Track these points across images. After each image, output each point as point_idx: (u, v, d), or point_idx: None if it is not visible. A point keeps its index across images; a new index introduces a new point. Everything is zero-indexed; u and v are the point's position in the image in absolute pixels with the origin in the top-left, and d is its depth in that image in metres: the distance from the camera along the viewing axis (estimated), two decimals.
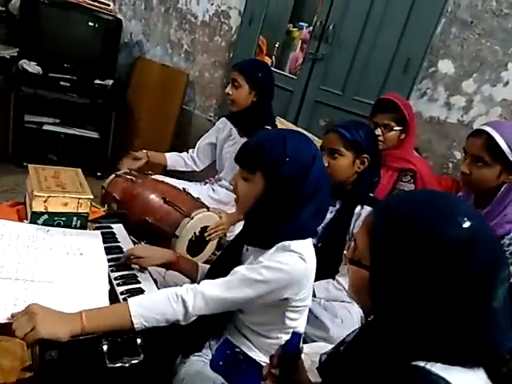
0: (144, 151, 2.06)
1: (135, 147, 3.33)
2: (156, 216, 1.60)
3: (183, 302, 0.96)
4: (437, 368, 0.60)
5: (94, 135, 3.20)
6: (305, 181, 1.03)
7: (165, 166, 2.19)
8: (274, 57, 3.77)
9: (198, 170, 2.23)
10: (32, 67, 2.89)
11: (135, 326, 0.92)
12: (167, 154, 2.18)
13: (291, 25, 4.25)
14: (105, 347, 0.91)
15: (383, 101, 1.94)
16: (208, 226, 1.66)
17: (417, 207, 0.65)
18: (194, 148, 2.24)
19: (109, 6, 3.04)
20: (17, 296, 0.91)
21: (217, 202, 2.02)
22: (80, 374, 0.90)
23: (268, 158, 1.03)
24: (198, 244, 1.64)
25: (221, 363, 0.95)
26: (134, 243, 1.37)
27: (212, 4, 3.03)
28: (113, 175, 1.83)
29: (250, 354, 1.14)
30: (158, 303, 0.96)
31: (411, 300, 0.61)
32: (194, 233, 1.62)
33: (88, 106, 3.10)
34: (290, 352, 0.86)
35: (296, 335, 0.88)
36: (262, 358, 1.14)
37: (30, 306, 0.87)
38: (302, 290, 1.07)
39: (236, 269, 1.04)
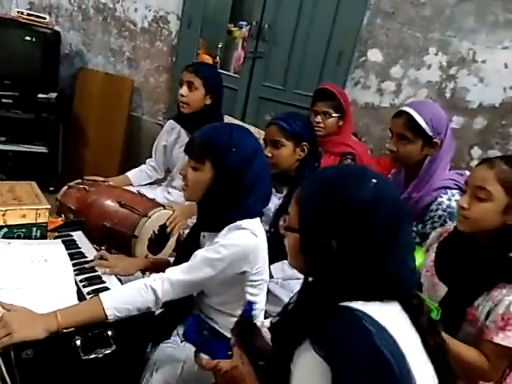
0: (109, 180, 2.01)
1: (86, 158, 3.35)
2: (114, 220, 1.65)
3: (152, 290, 1.05)
4: (358, 305, 0.72)
5: (43, 150, 3.16)
6: (249, 169, 1.14)
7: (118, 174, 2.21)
8: (218, 57, 3.86)
9: (161, 176, 2.25)
10: None
11: (109, 317, 0.99)
12: (129, 174, 2.18)
13: (232, 24, 4.36)
14: (78, 342, 0.97)
15: (321, 90, 2.08)
16: (165, 224, 1.73)
17: (331, 175, 0.81)
18: (148, 155, 2.26)
19: (45, 19, 3.02)
20: None
21: (172, 203, 2.07)
22: (56, 368, 0.96)
23: (216, 147, 1.13)
24: (157, 242, 1.71)
25: (194, 335, 1.02)
26: (96, 249, 1.43)
27: (150, 10, 3.08)
28: (65, 187, 1.86)
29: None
30: (128, 294, 1.04)
31: (334, 247, 0.73)
32: (153, 231, 1.69)
33: (33, 120, 3.06)
34: (246, 320, 0.96)
35: (249, 304, 0.98)
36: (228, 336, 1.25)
37: (3, 315, 0.92)
38: (257, 262, 1.19)
39: (196, 252, 1.14)
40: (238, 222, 1.16)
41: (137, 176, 2.19)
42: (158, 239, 1.72)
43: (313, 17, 2.51)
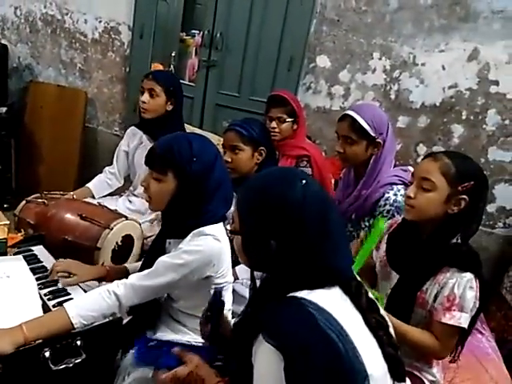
0: (70, 194, 1.99)
1: (41, 173, 3.28)
2: (75, 233, 1.65)
3: (115, 295, 1.07)
4: (303, 294, 0.79)
5: None
6: (211, 176, 1.19)
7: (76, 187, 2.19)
8: (172, 66, 3.88)
9: (120, 184, 2.24)
10: None
11: (75, 325, 1.01)
12: (90, 185, 2.16)
13: (184, 33, 4.39)
14: (47, 354, 0.98)
15: (274, 97, 2.16)
16: (129, 235, 1.75)
17: (264, 179, 0.87)
18: (106, 166, 2.26)
19: None
20: None
21: (134, 213, 2.08)
22: (27, 382, 0.97)
23: (177, 159, 1.17)
24: (121, 253, 1.72)
25: (143, 356, 1.04)
26: None
27: (100, 21, 3.07)
28: (23, 201, 1.84)
29: (183, 337, 1.28)
30: (92, 302, 1.06)
31: (273, 246, 0.80)
32: (116, 243, 1.70)
33: None
34: (214, 307, 1.01)
35: (216, 292, 1.03)
36: (197, 339, 1.28)
37: None
38: (221, 266, 1.23)
39: (159, 258, 1.18)
40: (202, 228, 1.20)
41: (98, 187, 2.17)
42: (122, 250, 1.73)
43: (263, 25, 2.60)
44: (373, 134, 1.57)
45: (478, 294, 1.16)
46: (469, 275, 1.16)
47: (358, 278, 0.89)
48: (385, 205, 1.57)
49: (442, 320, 1.16)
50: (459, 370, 1.48)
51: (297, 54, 2.58)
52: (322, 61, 2.61)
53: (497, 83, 2.33)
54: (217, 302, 1.04)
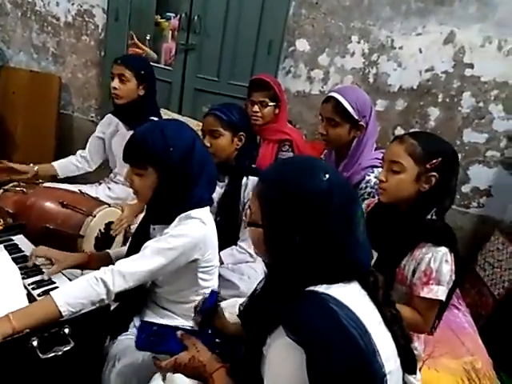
0: (31, 165, 1.99)
1: (15, 160, 3.17)
2: (57, 221, 1.63)
3: (103, 282, 1.07)
4: (322, 288, 0.79)
5: None
6: (191, 162, 1.18)
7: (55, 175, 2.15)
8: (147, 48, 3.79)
9: (91, 169, 2.21)
10: None
11: (63, 313, 1.00)
12: (55, 164, 2.12)
13: (159, 16, 4.30)
14: (34, 343, 0.98)
15: (256, 81, 2.15)
16: (112, 222, 1.74)
17: (287, 170, 0.85)
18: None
19: None
20: None
21: (115, 200, 2.05)
22: (16, 370, 0.97)
23: (153, 153, 1.15)
24: (104, 240, 1.71)
25: (145, 342, 1.04)
26: None
27: (73, 4, 2.97)
28: (0, 190, 1.80)
29: (172, 322, 1.29)
30: (80, 289, 1.05)
31: (297, 241, 0.79)
32: (99, 230, 1.68)
33: None
34: (208, 308, 1.02)
35: (214, 293, 1.04)
36: (185, 323, 1.30)
37: None
38: (208, 250, 1.24)
39: (146, 243, 1.17)
40: (188, 212, 1.21)
41: (63, 166, 2.13)
42: (105, 237, 1.72)
43: (241, 8, 2.57)
44: (356, 117, 1.59)
45: (454, 267, 1.21)
46: (444, 249, 1.20)
47: (376, 273, 0.89)
48: (366, 187, 1.60)
49: (421, 294, 1.21)
50: (438, 344, 1.53)
51: (276, 37, 2.56)
52: (302, 44, 2.61)
53: (472, 66, 2.38)
54: (211, 305, 1.04)
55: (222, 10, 2.59)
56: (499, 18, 2.28)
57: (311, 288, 0.80)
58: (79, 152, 2.21)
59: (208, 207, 1.28)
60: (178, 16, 2.85)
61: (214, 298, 1.03)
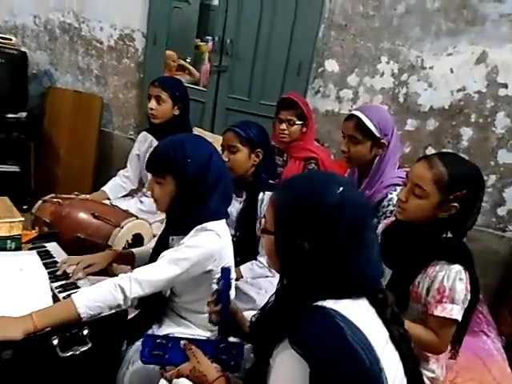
0: (87, 196, 2.08)
1: (59, 175, 3.39)
2: (87, 231, 1.72)
3: (121, 288, 1.12)
4: (330, 304, 0.79)
5: (15, 169, 3.19)
6: (207, 174, 1.24)
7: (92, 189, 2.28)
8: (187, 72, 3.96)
9: (134, 187, 2.34)
10: None
11: (82, 315, 1.06)
12: (106, 189, 2.25)
13: (199, 40, 4.49)
14: (55, 341, 1.04)
15: (285, 100, 2.20)
16: (139, 234, 1.81)
17: (303, 180, 0.89)
18: (121, 168, 2.35)
19: (11, 40, 3.07)
20: None
21: (145, 213, 2.15)
22: (36, 366, 1.03)
23: (173, 162, 1.23)
24: None
25: (148, 356, 1.06)
26: None
27: (115, 29, 3.17)
28: (40, 201, 1.92)
29: (188, 331, 1.32)
30: (99, 293, 1.11)
31: (306, 249, 0.79)
32: (127, 241, 1.76)
33: (4, 140, 3.09)
34: (224, 287, 1.04)
35: (225, 269, 1.04)
36: (201, 333, 1.33)
37: None
38: (222, 261, 1.27)
39: (163, 253, 1.23)
40: (204, 224, 1.25)
41: (113, 190, 2.27)
42: (132, 248, 1.79)
43: (272, 31, 2.65)
44: (378, 135, 1.60)
45: (469, 286, 1.18)
46: (457, 267, 1.18)
47: (385, 290, 0.89)
48: (388, 205, 1.59)
49: (435, 313, 1.18)
50: (462, 370, 1.48)
51: (305, 58, 2.62)
52: (331, 65, 2.64)
53: (506, 86, 2.34)
54: (225, 279, 1.05)
55: (254, 33, 2.68)
56: None
57: (319, 303, 0.80)
58: (121, 172, 2.33)
59: (224, 220, 1.31)
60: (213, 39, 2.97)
61: (227, 274, 1.04)
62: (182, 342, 0.98)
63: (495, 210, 2.50)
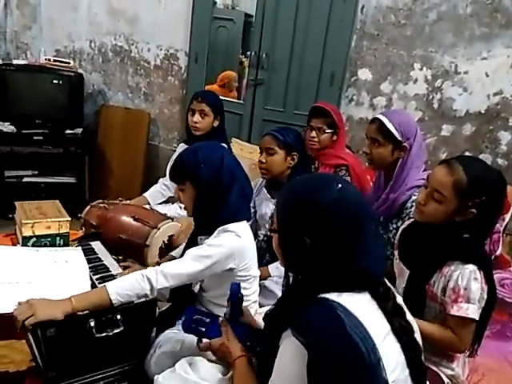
0: (128, 202, 2.24)
1: (110, 186, 3.65)
2: (128, 232, 1.88)
3: (148, 279, 1.24)
4: (333, 296, 0.83)
5: (72, 180, 3.48)
6: (221, 175, 1.34)
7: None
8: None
9: (172, 194, 2.44)
10: (6, 127, 3.20)
11: (113, 301, 1.19)
12: (147, 195, 2.43)
13: (243, 56, 4.68)
14: (92, 323, 1.17)
15: (317, 108, 2.26)
16: (174, 235, 1.95)
17: (304, 180, 0.94)
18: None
19: (69, 63, 3.39)
20: (21, 293, 1.18)
21: (184, 217, 2.29)
22: (75, 344, 1.17)
23: (188, 169, 1.35)
24: (167, 250, 1.92)
25: (189, 326, 1.19)
26: (114, 258, 1.65)
27: (161, 49, 3.41)
28: (88, 206, 2.12)
29: None
30: (129, 282, 1.23)
31: (307, 244, 0.84)
32: (163, 241, 1.90)
33: (62, 154, 3.39)
34: (233, 297, 1.14)
35: (234, 285, 1.16)
36: None
37: (28, 300, 1.13)
38: (243, 260, 1.36)
39: (188, 250, 1.34)
40: (226, 226, 1.35)
41: (153, 196, 2.44)
42: (168, 248, 1.93)
43: (305, 44, 2.75)
44: (399, 138, 1.63)
45: (485, 285, 1.18)
46: (471, 267, 1.19)
47: (388, 283, 0.93)
48: (411, 207, 1.61)
49: (451, 312, 1.20)
50: (489, 373, 1.46)
51: (338, 68, 2.69)
52: (364, 74, 2.69)
53: None
54: (234, 293, 1.16)
55: (288, 47, 2.80)
56: None
57: (323, 295, 0.84)
58: (161, 180, 2.50)
59: (245, 222, 1.40)
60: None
61: (236, 289, 1.15)
62: (220, 319, 1.08)
63: None
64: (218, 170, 1.34)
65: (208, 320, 1.18)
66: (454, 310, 1.20)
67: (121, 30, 3.54)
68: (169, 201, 2.52)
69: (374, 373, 0.77)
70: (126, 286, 1.22)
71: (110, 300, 1.19)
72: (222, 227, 1.35)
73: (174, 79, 3.43)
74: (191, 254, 1.32)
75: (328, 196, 0.85)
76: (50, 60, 3.35)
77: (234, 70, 4.31)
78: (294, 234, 0.87)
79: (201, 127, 2.26)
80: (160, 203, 2.46)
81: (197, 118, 2.24)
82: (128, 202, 2.19)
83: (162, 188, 2.48)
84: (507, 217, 2.16)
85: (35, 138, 3.29)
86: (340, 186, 0.87)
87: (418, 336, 0.91)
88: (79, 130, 3.46)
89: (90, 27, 3.66)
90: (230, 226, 1.35)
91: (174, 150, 3.48)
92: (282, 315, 0.92)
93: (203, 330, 1.15)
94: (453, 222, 1.24)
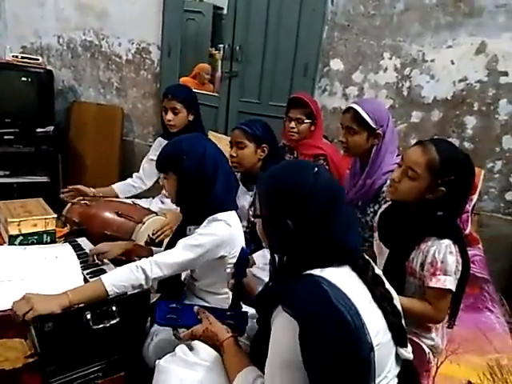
0: (92, 190, 2.26)
1: (85, 184, 3.58)
2: (113, 228, 1.88)
3: (143, 269, 1.27)
4: (317, 272, 0.90)
5: (45, 179, 3.40)
6: (204, 166, 1.38)
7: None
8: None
9: (146, 188, 2.47)
10: None
11: (109, 293, 1.21)
12: (114, 186, 2.39)
13: (213, 48, 4.68)
14: (88, 316, 1.19)
15: (294, 99, 2.30)
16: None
17: (280, 168, 1.00)
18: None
19: (38, 60, 3.31)
20: (14, 291, 1.19)
21: (165, 210, 2.30)
22: (73, 337, 1.19)
23: (171, 160, 1.39)
24: (153, 245, 1.93)
25: (163, 318, 1.21)
26: None
27: (132, 43, 3.38)
28: (69, 204, 2.10)
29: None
30: (124, 274, 1.26)
31: (290, 226, 0.91)
32: (148, 235, 1.91)
33: (34, 153, 3.32)
34: (242, 259, 1.19)
35: (242, 249, 1.21)
36: None
37: (25, 294, 1.15)
38: (233, 248, 1.41)
39: (179, 240, 1.38)
40: (215, 215, 1.39)
41: (122, 188, 2.40)
42: (153, 242, 1.95)
43: (278, 35, 2.80)
44: (373, 126, 1.71)
45: (460, 258, 1.27)
46: (447, 241, 1.27)
47: (366, 257, 1.00)
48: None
49: (430, 284, 1.28)
50: (464, 342, 1.56)
51: (311, 59, 2.76)
52: (336, 64, 2.77)
53: (506, 74, 2.41)
54: (242, 257, 1.21)
55: (261, 39, 2.84)
56: None
57: (307, 272, 0.91)
58: (135, 174, 2.48)
59: (233, 211, 1.45)
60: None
61: (246, 251, 1.21)
62: (196, 308, 1.11)
63: (503, 195, 2.56)
64: (200, 161, 1.38)
65: (182, 309, 1.20)
66: (433, 283, 1.28)
67: (90, 24, 3.49)
68: (150, 195, 2.53)
69: (359, 337, 0.84)
70: (121, 277, 1.25)
71: (107, 292, 1.21)
72: (211, 217, 1.39)
73: (146, 73, 3.41)
74: (183, 243, 1.35)
75: (306, 180, 0.91)
76: (17, 57, 3.26)
77: (205, 62, 4.32)
78: (277, 219, 0.93)
79: (176, 124, 2.25)
80: (133, 197, 2.45)
81: (170, 116, 2.24)
82: (92, 191, 2.18)
83: (134, 181, 2.44)
84: (475, 197, 2.30)
85: (5, 137, 3.21)
86: (316, 169, 0.94)
87: (397, 302, 0.99)
88: (51, 128, 3.39)
89: (57, 23, 3.58)
90: (219, 215, 1.39)
91: (150, 145, 3.47)
92: (271, 294, 0.98)
93: (179, 320, 1.16)
94: (425, 201, 1.32)
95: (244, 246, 1.42)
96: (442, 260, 1.27)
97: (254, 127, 1.87)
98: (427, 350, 1.40)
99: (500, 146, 2.50)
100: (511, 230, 2.57)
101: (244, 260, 1.21)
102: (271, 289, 1.03)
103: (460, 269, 1.28)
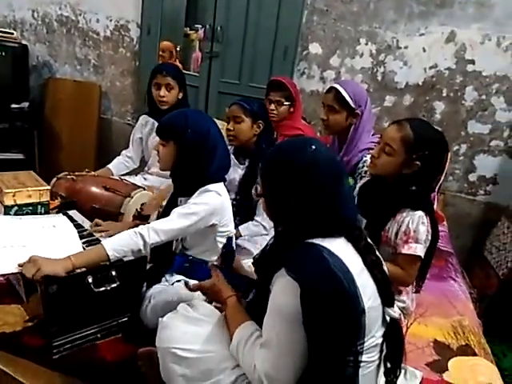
0: (92, 172, 2.24)
1: (61, 161, 3.58)
2: (101, 202, 1.93)
3: (141, 235, 1.35)
4: (318, 241, 0.97)
5: (20, 156, 3.37)
6: (205, 143, 1.46)
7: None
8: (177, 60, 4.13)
9: (136, 166, 2.54)
10: None
11: (110, 257, 1.29)
12: (110, 166, 2.43)
13: (188, 28, 4.66)
14: (90, 279, 1.26)
15: (274, 82, 2.40)
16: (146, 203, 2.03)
17: (279, 148, 1.07)
18: (120, 151, 2.55)
19: (12, 34, 3.24)
20: (17, 255, 1.24)
21: (149, 188, 2.37)
22: (76, 299, 1.26)
23: (175, 129, 1.46)
24: (141, 219, 1.99)
25: (180, 267, 1.31)
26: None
27: (111, 20, 3.35)
28: (54, 178, 2.12)
29: None
30: (123, 239, 1.33)
31: (292, 203, 0.98)
32: (136, 209, 1.97)
33: (8, 129, 3.28)
34: (227, 250, 1.29)
35: (229, 238, 1.30)
36: None
37: (31, 257, 1.21)
38: (223, 216, 1.51)
39: (174, 209, 1.46)
40: (206, 186, 1.48)
41: (117, 167, 2.45)
42: (141, 216, 2.01)
43: (259, 18, 2.86)
44: (353, 106, 1.83)
45: (430, 228, 1.42)
46: (420, 213, 1.41)
47: (361, 228, 1.09)
48: (363, 167, 1.83)
49: (402, 251, 1.42)
50: (430, 306, 1.72)
51: (291, 42, 2.83)
52: (314, 48, 2.86)
53: (473, 62, 2.57)
54: (228, 245, 1.31)
55: (242, 20, 2.89)
56: (496, 16, 2.46)
57: (309, 240, 0.98)
58: (124, 152, 2.51)
59: (222, 183, 1.54)
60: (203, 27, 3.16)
61: (231, 241, 1.30)
62: (210, 264, 1.21)
63: (467, 177, 2.76)
64: (202, 138, 1.45)
65: (197, 265, 1.31)
66: (405, 249, 1.42)
67: None
68: (132, 173, 2.57)
69: (353, 300, 0.94)
70: (121, 242, 1.32)
71: (108, 256, 1.28)
72: (202, 188, 1.48)
73: (125, 51, 3.40)
74: (177, 212, 1.44)
75: (303, 158, 0.97)
76: None
77: (179, 42, 4.31)
78: (279, 197, 1.01)
79: (168, 100, 2.29)
80: (123, 174, 2.50)
81: (163, 91, 2.27)
82: (93, 174, 2.22)
83: (125, 160, 2.50)
84: (441, 177, 2.47)
85: None
86: (313, 147, 1.00)
87: (385, 268, 1.09)
88: (25, 104, 3.35)
89: None
90: (209, 186, 1.48)
91: (129, 124, 3.51)
92: (273, 259, 1.06)
93: (192, 272, 1.28)
94: (401, 176, 1.45)
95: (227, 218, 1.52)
96: (414, 229, 1.41)
97: (252, 104, 1.97)
98: (399, 311, 1.55)
99: (465, 131, 2.68)
100: (473, 210, 2.78)
101: (230, 249, 1.30)
102: (273, 254, 1.11)
103: (430, 238, 1.43)
